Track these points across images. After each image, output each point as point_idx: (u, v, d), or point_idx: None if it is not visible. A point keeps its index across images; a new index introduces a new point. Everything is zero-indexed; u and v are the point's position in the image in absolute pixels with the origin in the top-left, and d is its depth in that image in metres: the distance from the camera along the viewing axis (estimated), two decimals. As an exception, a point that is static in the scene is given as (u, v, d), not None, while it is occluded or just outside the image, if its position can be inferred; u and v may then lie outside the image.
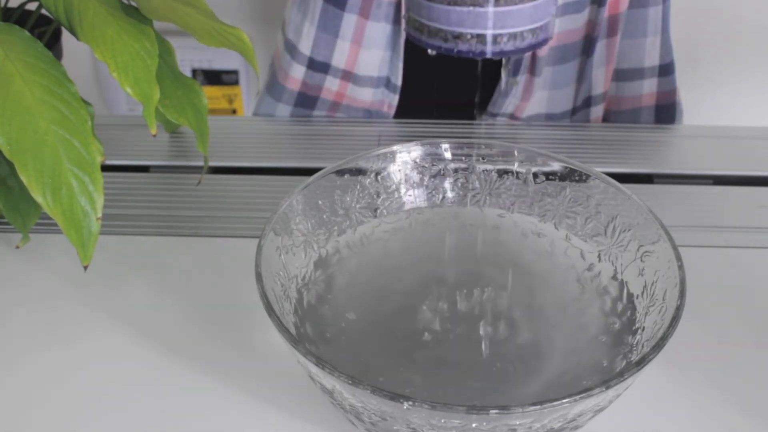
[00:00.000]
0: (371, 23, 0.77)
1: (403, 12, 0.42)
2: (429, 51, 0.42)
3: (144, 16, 0.59)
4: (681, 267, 0.48)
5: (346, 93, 0.81)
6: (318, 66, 0.80)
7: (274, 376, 0.54)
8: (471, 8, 0.38)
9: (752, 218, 0.68)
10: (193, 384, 0.54)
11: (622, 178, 0.64)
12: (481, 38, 0.39)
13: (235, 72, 1.38)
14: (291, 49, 0.81)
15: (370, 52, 0.78)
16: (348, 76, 0.80)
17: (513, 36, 0.40)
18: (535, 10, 0.39)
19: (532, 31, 0.40)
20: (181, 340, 0.56)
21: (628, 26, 0.79)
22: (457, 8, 0.39)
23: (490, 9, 0.38)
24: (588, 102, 0.83)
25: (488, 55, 0.40)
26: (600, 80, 0.81)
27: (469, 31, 0.39)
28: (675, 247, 0.49)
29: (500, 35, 0.39)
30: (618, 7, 0.77)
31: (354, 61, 0.79)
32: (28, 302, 0.60)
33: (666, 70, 0.82)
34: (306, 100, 0.82)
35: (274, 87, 0.84)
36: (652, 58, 0.81)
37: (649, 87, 0.82)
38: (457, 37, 0.40)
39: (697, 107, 0.93)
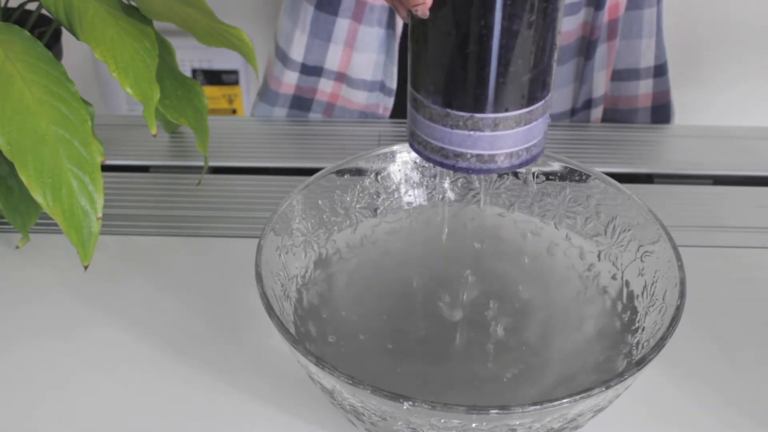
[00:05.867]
0: (364, 27, 0.77)
1: (407, 126, 0.45)
2: (432, 165, 0.46)
3: (144, 16, 0.59)
4: (681, 267, 0.48)
5: (340, 94, 0.81)
6: (311, 70, 0.80)
7: (274, 376, 0.54)
8: (471, 132, 0.42)
9: (751, 218, 0.68)
10: (193, 383, 0.54)
11: (622, 178, 0.64)
12: (479, 157, 0.43)
13: (235, 72, 1.38)
14: (282, 56, 0.81)
15: (363, 56, 0.78)
16: (342, 77, 0.80)
17: (509, 155, 0.43)
18: (530, 131, 0.43)
19: (527, 149, 0.44)
20: (181, 340, 0.56)
21: (624, 28, 0.79)
22: (458, 131, 0.42)
23: (488, 133, 0.42)
24: (588, 104, 0.83)
25: (484, 173, 0.44)
26: (601, 83, 0.81)
27: (469, 151, 0.43)
28: (675, 247, 0.49)
29: (497, 155, 0.43)
30: (617, 11, 0.77)
31: (347, 63, 0.79)
32: (28, 302, 0.60)
33: (660, 70, 0.82)
34: (301, 103, 0.82)
35: (266, 93, 0.84)
36: (647, 59, 0.81)
37: (644, 87, 0.83)
38: (458, 155, 0.43)
39: (690, 108, 0.93)
